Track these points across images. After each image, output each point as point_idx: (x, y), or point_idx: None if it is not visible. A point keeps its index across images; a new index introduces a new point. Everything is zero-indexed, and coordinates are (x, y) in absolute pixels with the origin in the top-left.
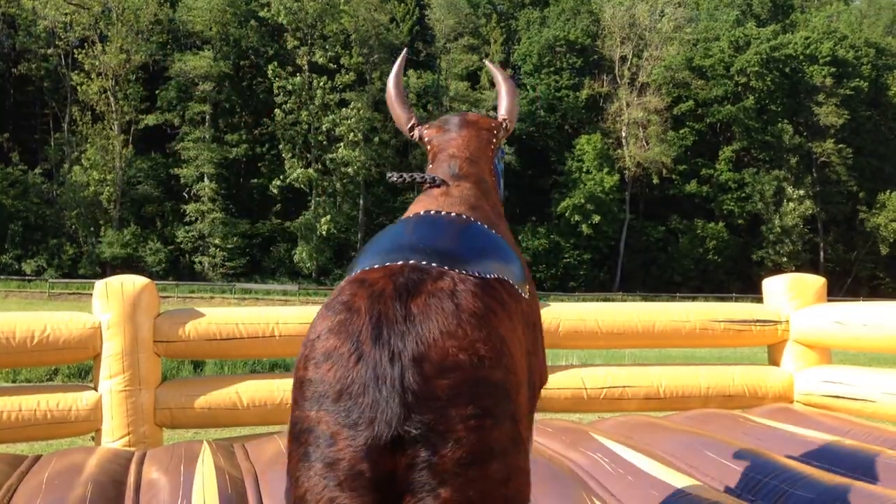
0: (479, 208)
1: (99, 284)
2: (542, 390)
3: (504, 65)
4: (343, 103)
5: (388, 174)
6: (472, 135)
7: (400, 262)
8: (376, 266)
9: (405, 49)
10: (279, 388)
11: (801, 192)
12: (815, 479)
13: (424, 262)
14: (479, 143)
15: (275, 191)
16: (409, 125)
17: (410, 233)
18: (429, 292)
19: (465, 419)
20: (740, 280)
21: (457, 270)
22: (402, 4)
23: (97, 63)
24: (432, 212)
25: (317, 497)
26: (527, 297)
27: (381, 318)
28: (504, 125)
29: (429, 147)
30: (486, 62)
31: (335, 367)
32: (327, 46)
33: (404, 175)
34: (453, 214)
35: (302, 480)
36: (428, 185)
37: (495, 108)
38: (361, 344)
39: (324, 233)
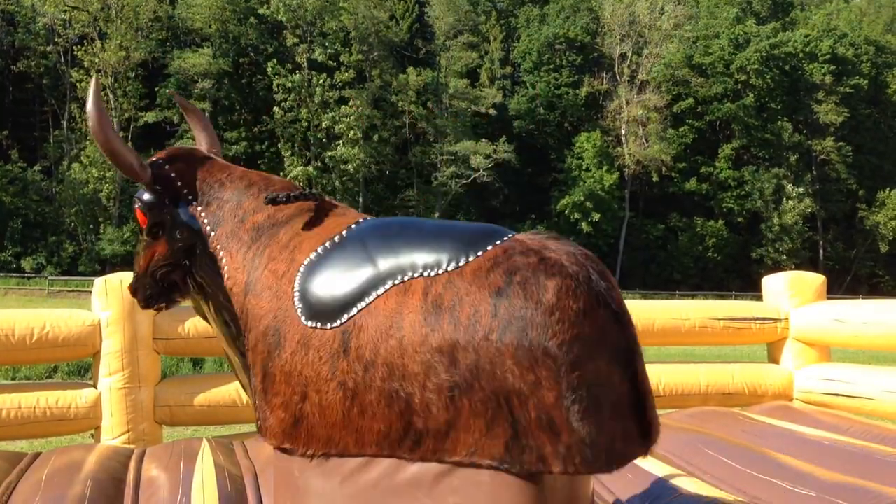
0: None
1: (98, 282)
2: None
3: (504, 62)
4: (342, 101)
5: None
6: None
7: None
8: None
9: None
10: None
11: (801, 189)
12: (814, 476)
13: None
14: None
15: None
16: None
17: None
18: (600, 274)
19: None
20: (740, 278)
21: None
22: (402, 2)
23: (96, 60)
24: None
25: (608, 435)
26: None
27: (613, 296)
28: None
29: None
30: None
31: (621, 322)
32: (327, 44)
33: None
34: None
35: (600, 428)
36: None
37: (495, 106)
38: (623, 322)
39: None
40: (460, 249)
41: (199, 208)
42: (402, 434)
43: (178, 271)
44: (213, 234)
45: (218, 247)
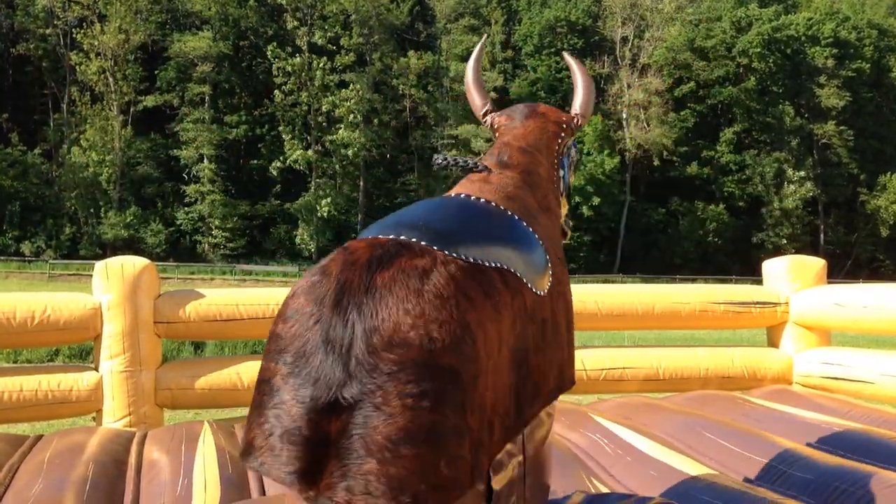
0: (516, 198)
1: (99, 265)
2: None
3: (505, 45)
4: (343, 84)
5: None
6: (536, 125)
7: (391, 236)
8: (369, 237)
9: (485, 36)
10: None
11: (802, 174)
12: (813, 460)
13: (415, 239)
14: (541, 134)
15: (274, 172)
16: (483, 111)
17: (419, 211)
18: (399, 267)
19: (402, 396)
20: (740, 262)
21: (446, 252)
22: None
23: (96, 43)
24: (457, 195)
25: (261, 443)
26: (538, 292)
27: (345, 284)
28: (576, 120)
29: (497, 135)
30: (566, 55)
31: (297, 324)
32: (327, 27)
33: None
34: (481, 200)
35: (253, 426)
36: (470, 170)
37: (496, 90)
38: (323, 307)
39: (324, 214)
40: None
41: None
42: None
43: None
44: None
45: None
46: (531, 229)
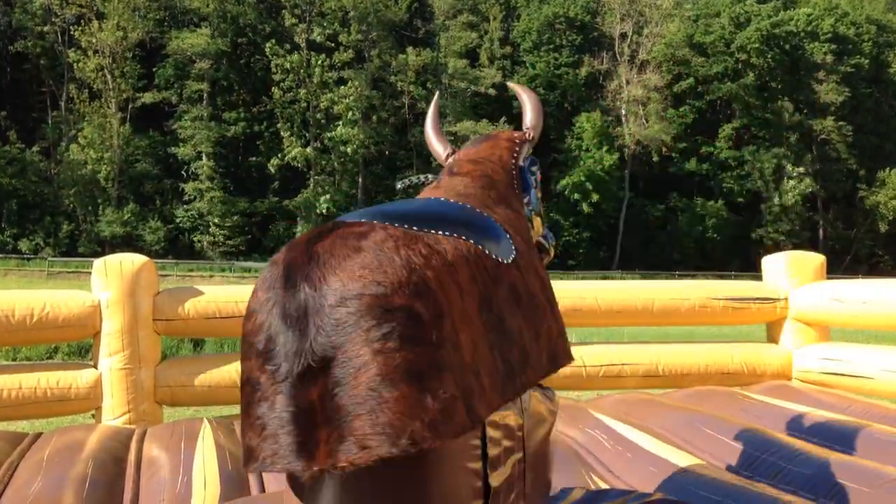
0: (468, 195)
1: (98, 263)
2: None
3: (503, 42)
4: (341, 81)
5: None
6: (487, 143)
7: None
8: None
9: (436, 94)
10: None
11: (801, 169)
12: (813, 455)
13: (360, 219)
14: (492, 149)
15: (273, 169)
16: (445, 155)
17: (372, 206)
18: (337, 235)
19: (368, 343)
20: (739, 258)
21: (388, 223)
22: None
23: (94, 40)
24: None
25: (258, 441)
26: (500, 259)
27: (290, 263)
28: (528, 133)
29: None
30: (509, 83)
31: (258, 316)
32: (325, 24)
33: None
34: (433, 198)
35: (247, 428)
36: (425, 185)
37: (494, 87)
38: (276, 290)
39: (323, 211)
40: None
41: None
42: None
43: None
44: None
45: None
46: (485, 214)
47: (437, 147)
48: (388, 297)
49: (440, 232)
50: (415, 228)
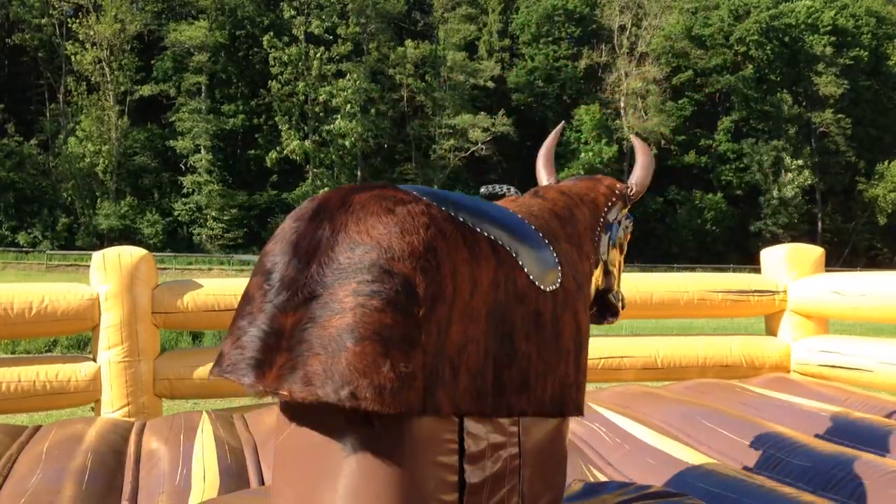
0: (540, 217)
1: (97, 256)
2: None
3: (502, 34)
4: (340, 74)
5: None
6: (587, 182)
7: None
8: None
9: (562, 123)
10: None
11: (800, 162)
12: (811, 447)
13: (412, 191)
14: (588, 190)
15: (270, 163)
16: (548, 184)
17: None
18: (379, 193)
19: (355, 294)
20: (738, 251)
21: (437, 205)
22: None
23: (92, 33)
24: None
25: (230, 348)
26: (536, 282)
27: (324, 202)
28: (630, 189)
29: None
30: (632, 136)
31: (277, 240)
32: (324, 16)
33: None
34: (498, 204)
35: (227, 336)
36: (500, 196)
37: (493, 79)
38: (301, 222)
39: None
40: None
41: None
42: None
43: None
44: None
45: None
46: (546, 240)
47: (543, 174)
48: (394, 261)
49: (484, 232)
50: (460, 218)
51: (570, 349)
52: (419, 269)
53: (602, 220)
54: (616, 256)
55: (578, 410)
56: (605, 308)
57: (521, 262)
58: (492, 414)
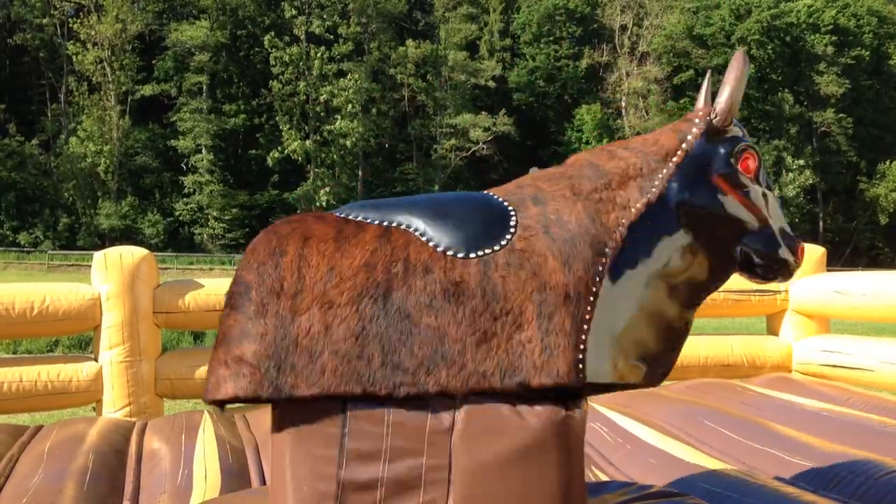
0: (521, 186)
1: (98, 256)
2: None
3: (503, 34)
4: (341, 74)
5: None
6: (656, 132)
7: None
8: None
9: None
10: None
11: (801, 162)
12: (813, 447)
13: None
14: (646, 137)
15: (272, 163)
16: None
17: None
18: (286, 220)
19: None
20: None
21: (339, 214)
22: None
23: (93, 33)
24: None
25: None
26: (452, 254)
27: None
28: (710, 113)
29: None
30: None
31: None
32: (325, 16)
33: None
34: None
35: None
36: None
37: (494, 79)
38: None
39: (323, 204)
40: None
41: None
42: None
43: None
44: None
45: None
46: (509, 207)
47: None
48: (243, 272)
49: (384, 222)
50: (359, 218)
51: (525, 309)
52: (255, 272)
53: (674, 156)
54: (736, 195)
55: (549, 376)
56: (750, 261)
57: (425, 238)
58: (387, 392)
